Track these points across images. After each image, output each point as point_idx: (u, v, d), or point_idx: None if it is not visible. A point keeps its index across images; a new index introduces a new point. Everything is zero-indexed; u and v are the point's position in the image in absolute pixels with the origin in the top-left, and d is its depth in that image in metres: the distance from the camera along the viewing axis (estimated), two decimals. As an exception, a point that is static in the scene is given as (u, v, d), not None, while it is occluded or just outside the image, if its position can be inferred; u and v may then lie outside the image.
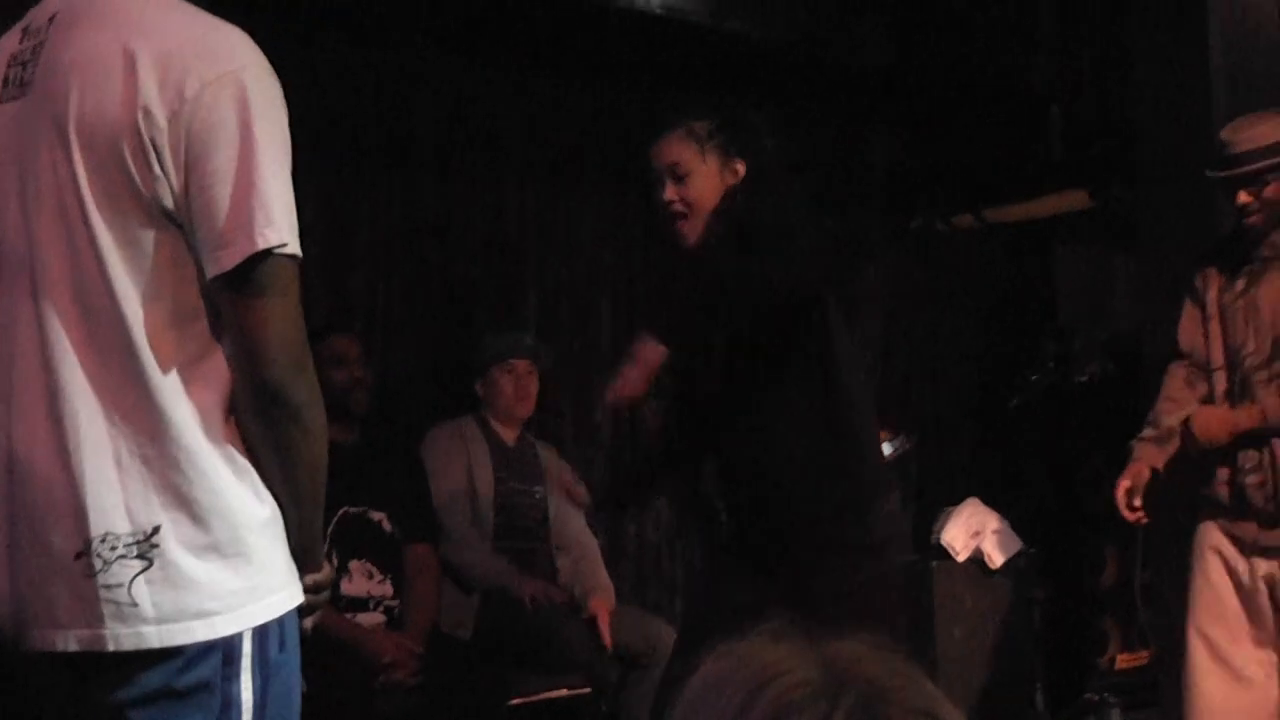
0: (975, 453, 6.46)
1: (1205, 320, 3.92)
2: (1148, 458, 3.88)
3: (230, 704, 1.82)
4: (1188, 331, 3.98)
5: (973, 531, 5.39)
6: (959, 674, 5.20)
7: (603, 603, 4.56)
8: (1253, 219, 3.78)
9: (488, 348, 4.80)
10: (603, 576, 4.72)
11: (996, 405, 6.27)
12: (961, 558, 5.34)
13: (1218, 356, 3.88)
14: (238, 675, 1.83)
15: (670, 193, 3.12)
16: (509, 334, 4.90)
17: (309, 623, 2.00)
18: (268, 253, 1.79)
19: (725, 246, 3.06)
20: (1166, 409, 3.94)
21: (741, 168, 3.16)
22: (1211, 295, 3.91)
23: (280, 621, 1.88)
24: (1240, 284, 3.86)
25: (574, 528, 4.82)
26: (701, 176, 3.13)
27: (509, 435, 4.78)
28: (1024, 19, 6.15)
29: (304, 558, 1.94)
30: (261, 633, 1.85)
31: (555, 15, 5.01)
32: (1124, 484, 3.86)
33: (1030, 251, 6.76)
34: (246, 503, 1.86)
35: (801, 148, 6.07)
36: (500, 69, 5.33)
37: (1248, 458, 3.78)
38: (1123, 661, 5.68)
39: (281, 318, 1.82)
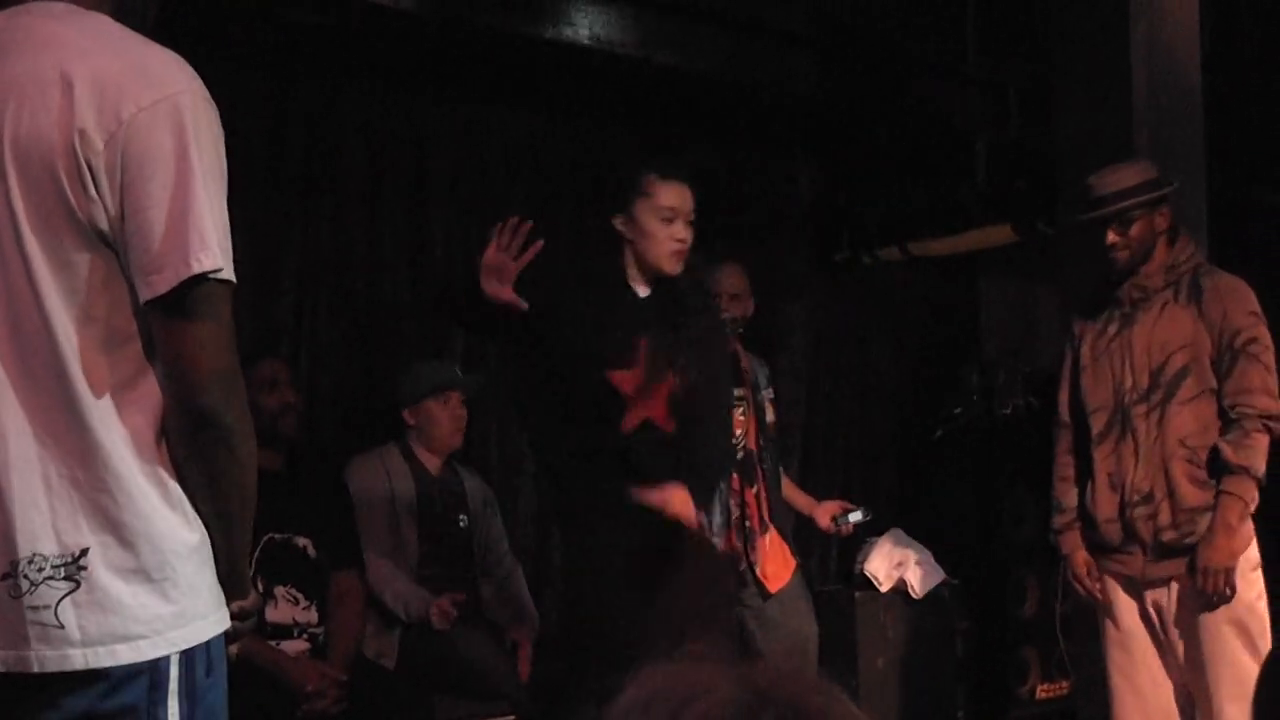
0: (899, 483, 6.50)
1: (1079, 371, 4.09)
2: (1077, 547, 4.07)
3: None
4: (1066, 396, 4.16)
5: (896, 562, 5.42)
6: (881, 703, 5.22)
7: (525, 630, 4.54)
8: (1120, 254, 3.97)
9: (421, 378, 4.76)
10: (527, 604, 4.72)
11: (920, 437, 6.32)
12: (885, 588, 5.38)
13: (1093, 401, 4.04)
14: (164, 700, 1.82)
15: (685, 233, 3.67)
16: (441, 365, 4.88)
17: (234, 649, 2.02)
18: (202, 277, 1.79)
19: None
20: (1063, 490, 4.13)
21: None
22: (1086, 346, 4.08)
23: (207, 647, 1.87)
24: (1113, 328, 4.04)
25: (499, 555, 4.81)
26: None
27: (433, 464, 4.75)
28: (951, 54, 6.23)
29: (231, 583, 1.94)
30: (188, 658, 1.84)
31: (485, 45, 5.01)
32: (1090, 585, 4.03)
33: (955, 285, 6.83)
34: (175, 527, 1.84)
35: (728, 180, 6.12)
36: (430, 99, 5.34)
37: (1136, 490, 3.91)
38: (1042, 691, 5.74)
39: (214, 343, 1.82)
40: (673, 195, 3.66)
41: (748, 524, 4.66)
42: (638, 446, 3.61)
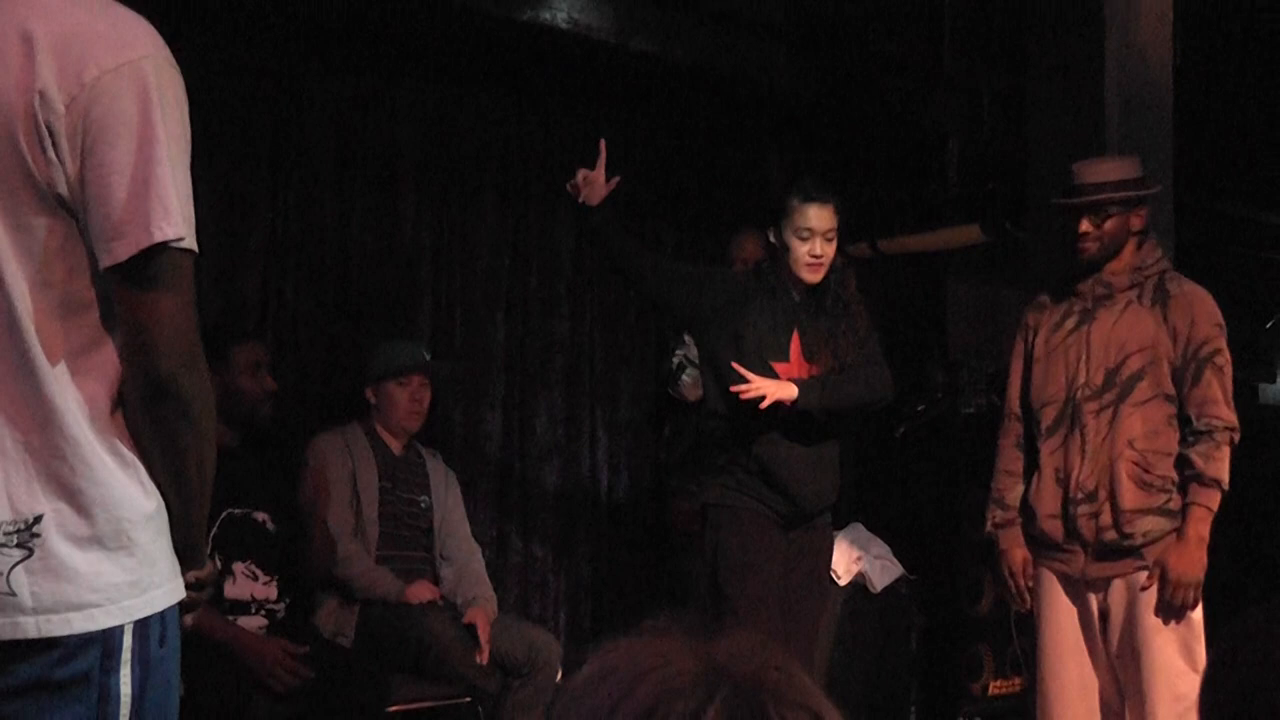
0: (860, 479, 6.53)
1: (1031, 363, 4.08)
2: (1015, 544, 4.07)
3: (108, 698, 1.79)
4: (1015, 389, 4.14)
5: (855, 556, 5.45)
6: (836, 696, 5.20)
7: (483, 612, 4.55)
8: (1089, 246, 3.95)
9: (384, 358, 4.77)
10: (486, 587, 4.72)
11: (883, 433, 6.34)
12: (843, 582, 5.40)
13: (1043, 395, 4.02)
14: (117, 669, 1.80)
15: (821, 249, 4.20)
16: (406, 347, 4.87)
17: (189, 619, 1.98)
18: (164, 246, 1.76)
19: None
20: (1007, 485, 4.12)
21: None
22: (1040, 338, 4.06)
23: (162, 617, 1.86)
24: (1071, 322, 4.02)
25: (459, 538, 4.81)
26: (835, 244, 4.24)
27: (396, 444, 4.76)
28: (927, 55, 6.25)
29: (187, 553, 1.92)
30: (142, 627, 1.83)
31: (460, 26, 5.00)
32: (1021, 585, 4.05)
33: (921, 284, 6.86)
34: (131, 495, 1.83)
35: (700, 171, 6.13)
36: (402, 79, 5.32)
37: (1080, 488, 3.90)
38: (995, 688, 5.77)
39: (175, 312, 1.79)
40: (809, 216, 4.17)
41: None
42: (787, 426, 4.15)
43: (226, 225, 4.88)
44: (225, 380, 4.15)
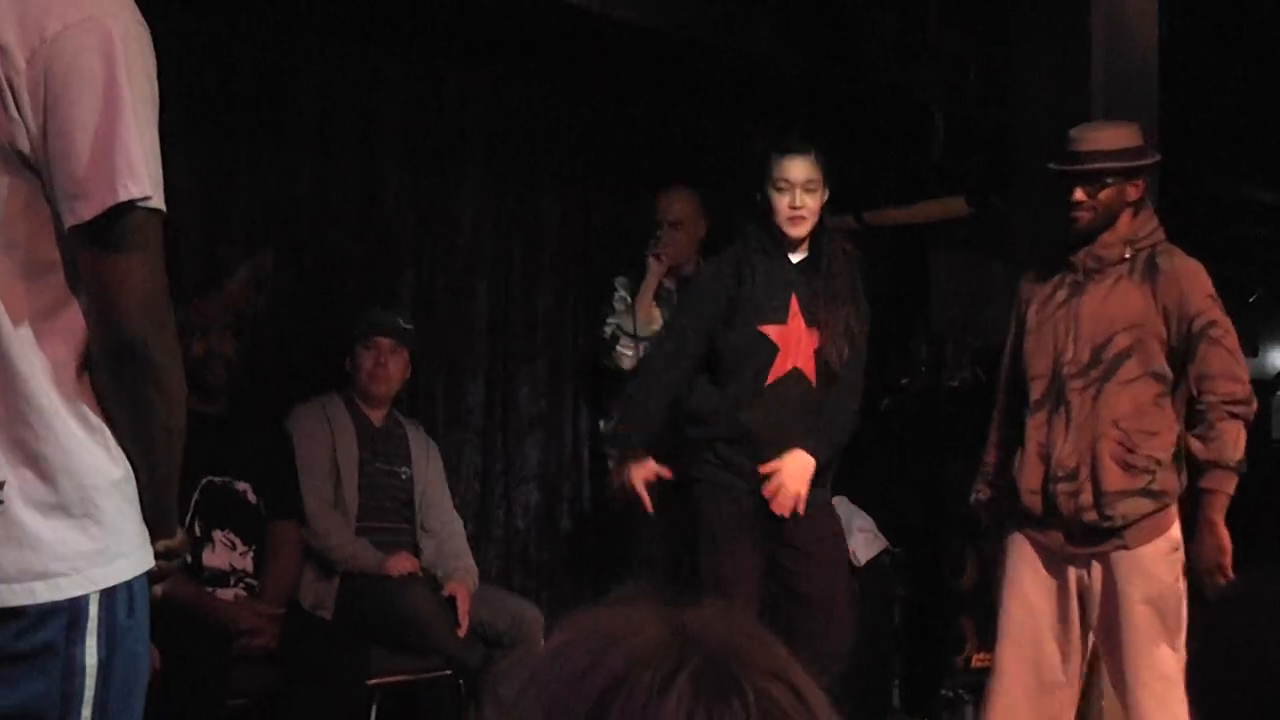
0: (844, 452, 6.52)
1: (1024, 335, 4.01)
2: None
3: (74, 668, 1.76)
4: (1012, 358, 4.09)
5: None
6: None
7: (462, 584, 4.54)
8: (1082, 215, 3.87)
9: (354, 325, 4.76)
10: (467, 559, 4.71)
11: (867, 406, 6.32)
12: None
13: (1033, 368, 3.96)
14: (82, 639, 1.76)
15: (801, 200, 4.18)
16: (374, 311, 4.84)
17: (159, 589, 1.94)
18: (129, 205, 1.72)
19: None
20: (995, 455, 4.09)
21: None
22: (1033, 310, 3.99)
23: (130, 586, 1.82)
24: (1062, 295, 3.94)
25: (441, 509, 4.79)
26: (818, 196, 4.22)
27: (376, 415, 4.73)
28: (913, 27, 6.22)
29: (157, 522, 1.88)
30: (109, 597, 1.79)
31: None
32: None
33: (906, 257, 6.84)
34: (98, 461, 1.79)
35: (684, 141, 6.11)
36: (383, 48, 5.28)
37: (1061, 465, 3.84)
38: (978, 660, 5.77)
39: (141, 273, 1.75)
40: (785, 168, 4.17)
41: None
42: (777, 398, 4.15)
43: (207, 195, 4.85)
44: (183, 344, 4.15)
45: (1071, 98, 4.75)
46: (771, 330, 4.18)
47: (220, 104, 4.89)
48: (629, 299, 5.18)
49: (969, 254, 6.83)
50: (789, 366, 4.19)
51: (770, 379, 4.18)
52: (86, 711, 1.77)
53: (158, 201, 1.76)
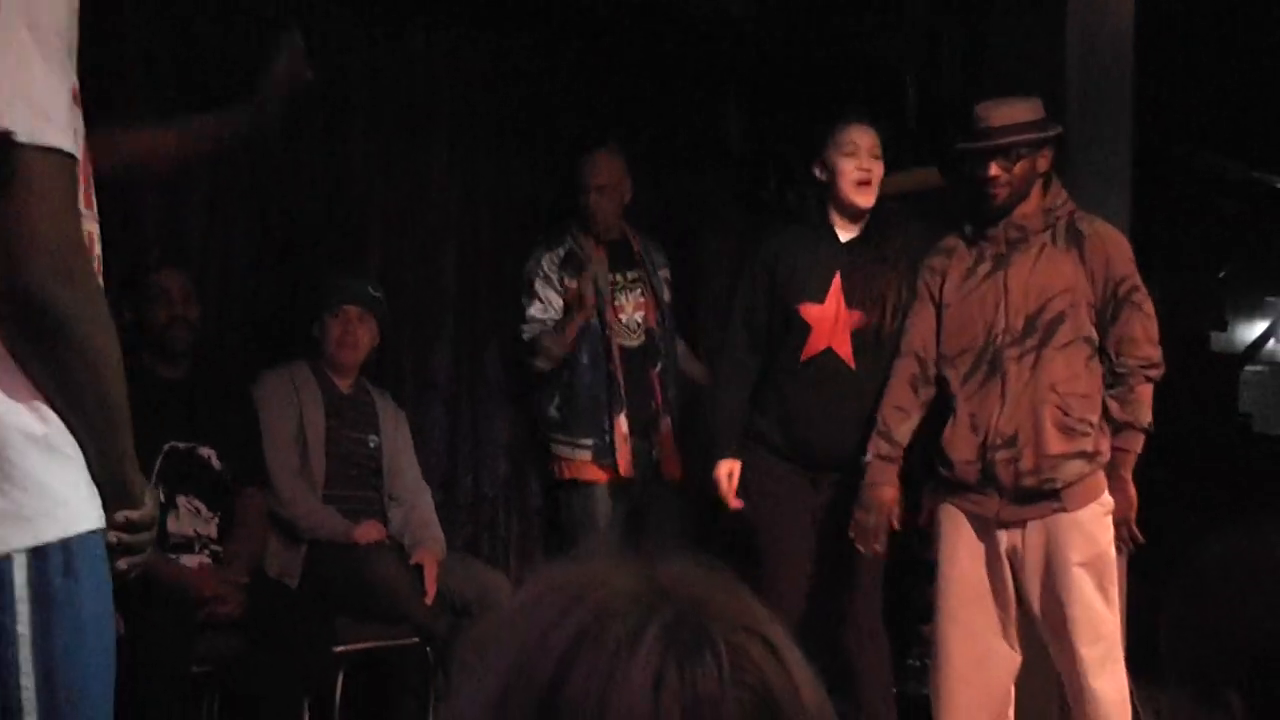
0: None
1: (940, 312, 4.03)
2: (889, 482, 4.07)
3: (5, 637, 1.64)
4: (918, 330, 4.08)
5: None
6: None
7: (430, 552, 4.52)
8: (1001, 192, 3.92)
9: (322, 293, 4.71)
10: (434, 528, 4.68)
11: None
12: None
13: (959, 342, 3.98)
14: (10, 606, 1.64)
15: (869, 164, 4.26)
16: (343, 279, 4.80)
17: (125, 563, 1.82)
18: (19, 143, 1.58)
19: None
20: (895, 419, 4.08)
21: None
22: (951, 285, 4.01)
23: (66, 548, 1.68)
24: (985, 268, 3.98)
25: (408, 478, 4.77)
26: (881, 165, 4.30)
27: (344, 382, 4.70)
28: (887, -3, 6.19)
29: (113, 492, 1.76)
30: (39, 559, 1.66)
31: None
32: (878, 520, 4.05)
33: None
34: (15, 415, 1.66)
35: (658, 110, 6.07)
36: (349, 9, 5.22)
37: (999, 434, 3.88)
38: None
39: (40, 218, 1.59)
40: (853, 133, 4.23)
41: (653, 404, 4.92)
42: (811, 379, 4.18)
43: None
44: (145, 308, 4.12)
45: (1046, 67, 4.74)
46: (808, 310, 4.22)
47: (180, 67, 4.82)
48: (555, 280, 5.01)
49: (939, 224, 6.81)
50: (822, 346, 4.22)
51: (803, 359, 4.22)
52: (28, 681, 1.67)
53: (57, 140, 1.61)
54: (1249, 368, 11.46)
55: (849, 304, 4.21)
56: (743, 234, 6.43)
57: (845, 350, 4.21)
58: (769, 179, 6.40)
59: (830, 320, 4.20)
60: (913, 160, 6.16)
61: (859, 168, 4.21)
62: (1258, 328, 11.57)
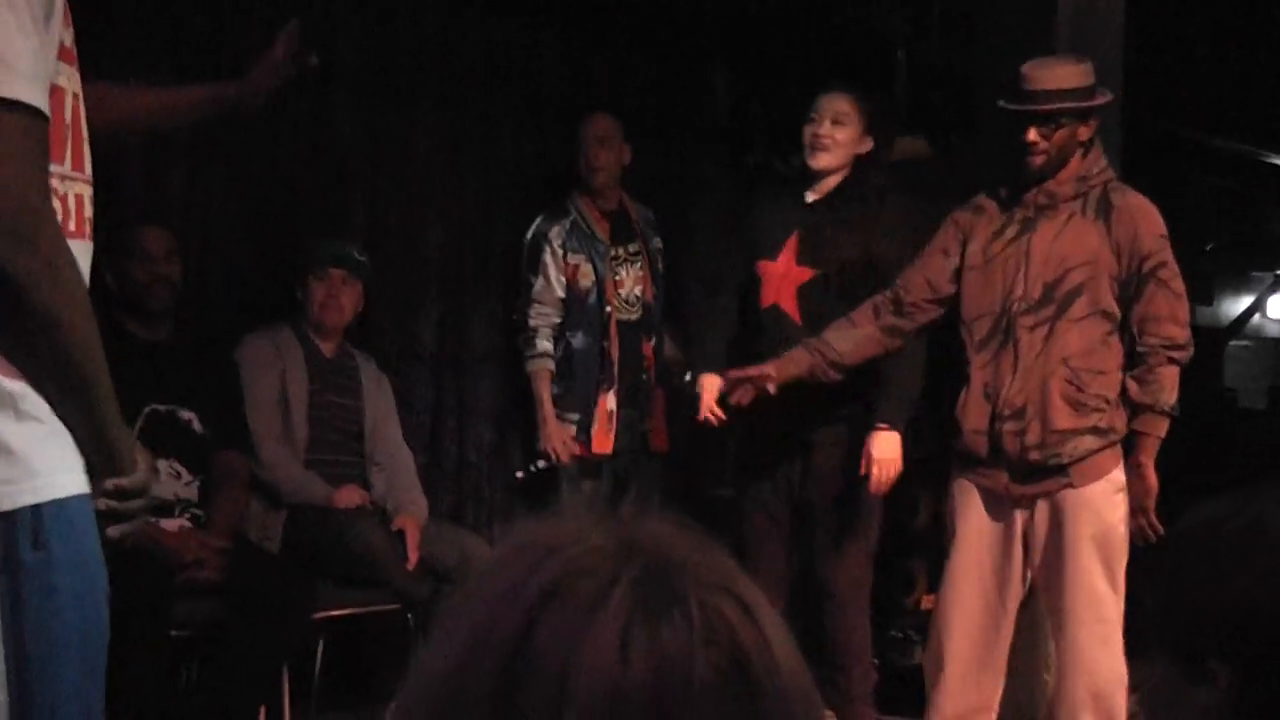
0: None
1: (963, 270, 3.94)
2: (791, 359, 3.98)
3: None
4: (912, 271, 4.00)
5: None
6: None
7: (411, 518, 4.50)
8: (1038, 159, 3.80)
9: (307, 255, 4.68)
10: (416, 492, 4.66)
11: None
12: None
13: (979, 305, 3.89)
14: None
15: (824, 130, 4.26)
16: (328, 242, 4.77)
17: (115, 531, 1.78)
18: None
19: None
20: (837, 325, 4.01)
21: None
22: (977, 245, 3.92)
23: (37, 514, 1.63)
24: (1011, 231, 3.88)
25: (391, 443, 4.75)
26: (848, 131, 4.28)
27: (327, 346, 4.67)
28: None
29: (99, 461, 1.72)
30: (8, 527, 1.62)
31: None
32: (707, 395, 4.08)
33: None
34: None
35: (645, 78, 6.04)
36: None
37: (1008, 404, 3.80)
38: (928, 602, 5.78)
39: None
40: (822, 99, 4.29)
41: (645, 377, 5.02)
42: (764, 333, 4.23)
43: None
44: (125, 268, 4.09)
45: (1035, 37, 4.70)
46: (764, 266, 4.31)
47: (165, 27, 4.77)
48: (561, 256, 5.03)
49: (926, 195, 6.79)
50: (770, 301, 4.28)
51: (760, 313, 4.30)
52: None
53: (17, 91, 1.54)
54: (1234, 342, 11.51)
55: (800, 261, 4.26)
56: (729, 202, 6.42)
57: (790, 305, 4.25)
58: (756, 147, 6.38)
59: (779, 276, 4.27)
60: (902, 130, 6.14)
61: (814, 133, 4.25)
62: (1243, 302, 11.61)
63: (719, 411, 4.13)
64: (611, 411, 4.96)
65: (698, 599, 0.81)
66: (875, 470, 4.08)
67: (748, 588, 0.84)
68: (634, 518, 0.86)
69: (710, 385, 4.13)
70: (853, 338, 3.99)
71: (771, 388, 3.97)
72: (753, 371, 3.99)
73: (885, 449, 4.09)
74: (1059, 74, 3.82)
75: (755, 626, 0.81)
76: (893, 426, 4.10)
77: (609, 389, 4.96)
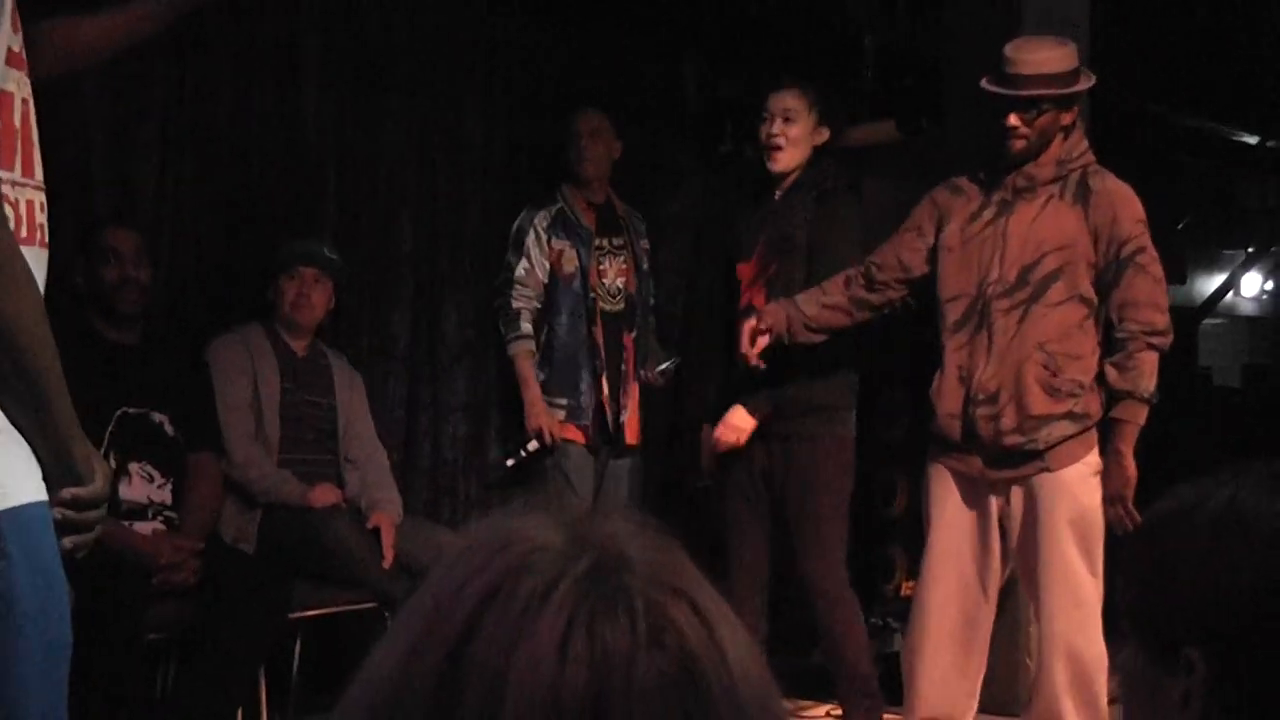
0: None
1: (939, 250, 3.92)
2: (769, 311, 4.04)
3: None
4: (885, 247, 4.01)
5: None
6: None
7: (387, 515, 4.48)
8: (1018, 144, 3.78)
9: (278, 254, 4.65)
10: (390, 490, 4.65)
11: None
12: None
13: (954, 287, 3.87)
14: None
15: (776, 129, 4.21)
16: (300, 241, 4.74)
17: (70, 542, 1.75)
18: None
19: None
20: (811, 291, 4.05)
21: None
22: (954, 226, 3.90)
23: None
24: (989, 213, 3.85)
25: (365, 441, 4.72)
26: (800, 126, 4.24)
27: (299, 345, 4.65)
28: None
29: (53, 468, 1.69)
30: None
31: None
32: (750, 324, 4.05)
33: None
34: None
35: (614, 68, 6.01)
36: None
37: (982, 389, 3.78)
38: (908, 589, 5.79)
39: None
40: (771, 98, 4.25)
41: (623, 368, 5.01)
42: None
43: (119, 113, 4.69)
44: (95, 270, 4.05)
45: (1003, 21, 4.70)
46: (740, 268, 4.36)
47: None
48: (545, 240, 5.02)
49: (896, 178, 6.79)
50: (746, 301, 4.29)
51: (738, 314, 4.28)
52: None
53: None
54: (1208, 321, 11.53)
55: (766, 259, 4.27)
56: (699, 191, 6.40)
57: (760, 303, 4.23)
58: (726, 135, 6.36)
59: (750, 276, 4.31)
60: (869, 113, 6.14)
61: (767, 133, 4.24)
62: (1216, 280, 11.63)
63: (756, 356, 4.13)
64: (609, 397, 4.98)
65: (645, 599, 0.78)
66: (720, 429, 4.19)
67: (702, 589, 0.81)
68: (591, 515, 0.84)
69: (747, 330, 4.13)
70: (820, 302, 4.04)
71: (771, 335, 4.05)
72: (760, 325, 4.04)
73: (733, 418, 4.20)
74: (1042, 57, 3.77)
75: (708, 633, 0.79)
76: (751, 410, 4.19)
77: (603, 374, 4.97)
